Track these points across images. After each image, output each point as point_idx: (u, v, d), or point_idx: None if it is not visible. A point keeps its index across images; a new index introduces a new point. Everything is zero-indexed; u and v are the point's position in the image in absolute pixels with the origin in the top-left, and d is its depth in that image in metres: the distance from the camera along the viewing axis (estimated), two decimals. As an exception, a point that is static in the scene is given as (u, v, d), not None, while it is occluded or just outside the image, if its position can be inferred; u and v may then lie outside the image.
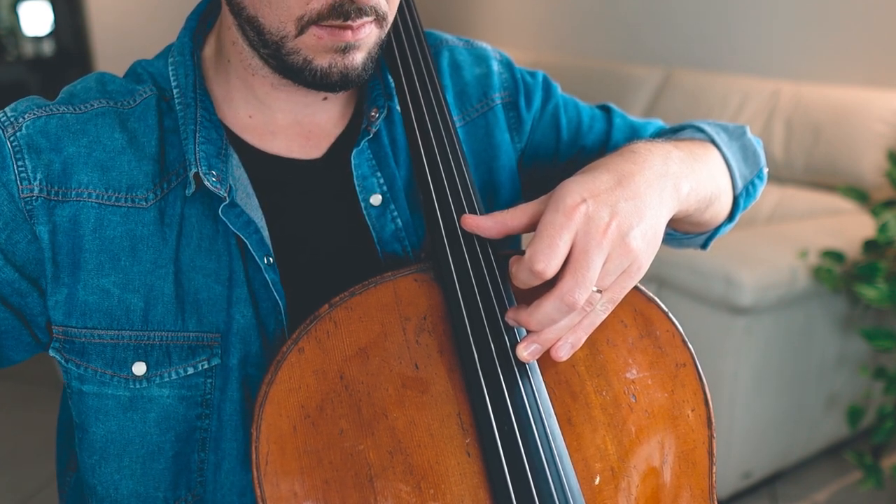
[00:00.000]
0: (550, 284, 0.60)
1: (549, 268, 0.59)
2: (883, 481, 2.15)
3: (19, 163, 0.68)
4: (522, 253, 0.61)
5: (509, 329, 0.65)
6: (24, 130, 0.69)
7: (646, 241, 0.63)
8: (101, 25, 5.00)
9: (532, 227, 0.63)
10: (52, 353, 0.71)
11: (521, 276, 0.60)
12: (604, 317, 0.64)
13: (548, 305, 0.60)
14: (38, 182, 0.68)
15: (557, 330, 0.62)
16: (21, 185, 0.68)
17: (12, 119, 0.70)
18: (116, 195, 0.70)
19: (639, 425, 0.67)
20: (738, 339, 2.03)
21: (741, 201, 0.85)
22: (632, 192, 0.63)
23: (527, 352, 0.62)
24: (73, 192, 0.69)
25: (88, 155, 0.70)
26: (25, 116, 0.70)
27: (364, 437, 0.61)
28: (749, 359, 2.06)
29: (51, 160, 0.69)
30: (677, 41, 3.55)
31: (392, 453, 0.61)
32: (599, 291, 0.62)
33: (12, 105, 0.72)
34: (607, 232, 0.60)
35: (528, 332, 0.63)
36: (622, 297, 0.64)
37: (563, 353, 0.63)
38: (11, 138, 0.69)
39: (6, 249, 0.68)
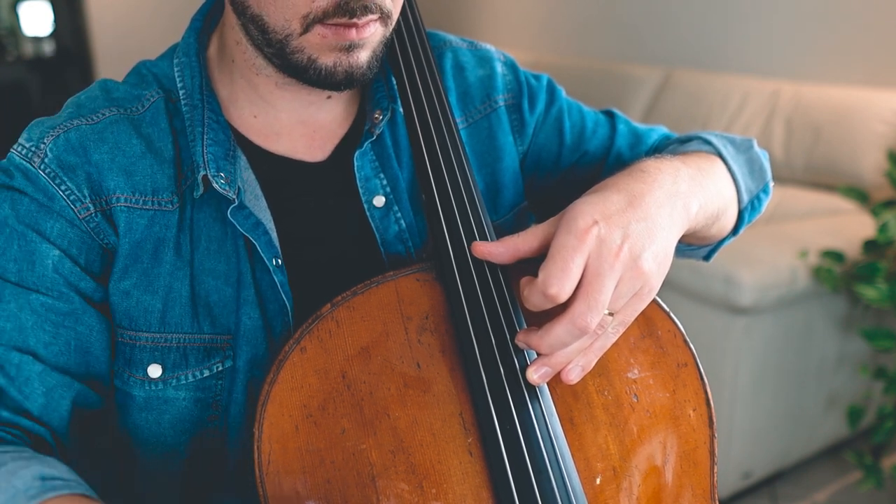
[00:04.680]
0: (561, 304, 0.60)
1: (563, 292, 0.58)
2: (883, 481, 2.16)
3: (62, 188, 0.68)
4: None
5: (511, 327, 0.65)
6: (50, 155, 0.69)
7: (657, 263, 0.62)
8: (101, 25, 5.00)
9: (543, 249, 0.62)
10: None
11: (534, 300, 0.59)
12: (615, 339, 0.63)
13: (559, 329, 0.59)
14: (88, 199, 0.68)
15: (568, 353, 0.61)
16: (75, 207, 0.68)
17: (33, 149, 0.69)
18: (143, 198, 0.70)
19: (640, 425, 0.68)
20: (737, 339, 2.03)
21: (746, 215, 0.84)
22: (643, 213, 0.63)
23: (537, 375, 0.62)
24: (110, 198, 0.69)
25: (112, 161, 0.70)
26: (45, 141, 0.69)
27: (366, 437, 0.61)
28: (749, 359, 2.06)
29: (88, 172, 0.69)
30: (677, 41, 3.55)
31: (394, 453, 0.61)
32: (611, 314, 0.61)
33: (24, 136, 0.71)
34: (619, 255, 0.59)
35: (539, 354, 0.62)
36: (633, 319, 0.63)
37: (573, 377, 0.62)
38: (42, 167, 0.68)
39: (90, 270, 0.69)
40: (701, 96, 3.16)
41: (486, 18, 4.77)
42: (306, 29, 0.65)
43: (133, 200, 0.70)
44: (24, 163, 0.68)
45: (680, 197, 0.67)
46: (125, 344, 0.70)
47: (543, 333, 0.60)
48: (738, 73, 3.22)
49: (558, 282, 0.57)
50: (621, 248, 0.59)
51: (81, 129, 0.71)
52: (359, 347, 0.63)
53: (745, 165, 0.84)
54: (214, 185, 0.69)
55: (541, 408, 0.63)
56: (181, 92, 0.74)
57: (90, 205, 0.68)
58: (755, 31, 3.21)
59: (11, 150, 0.70)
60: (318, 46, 0.66)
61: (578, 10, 4.08)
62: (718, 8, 3.35)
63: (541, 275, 0.58)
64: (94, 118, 0.72)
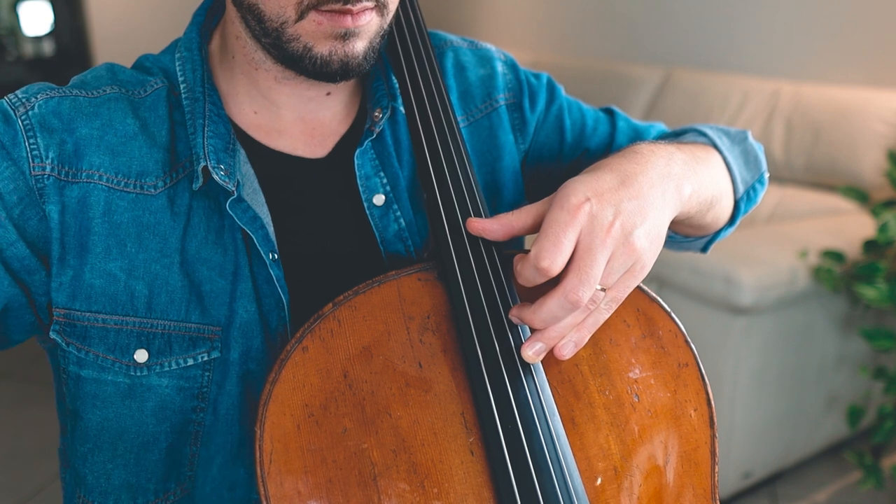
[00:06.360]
0: (554, 284, 0.61)
1: (555, 265, 0.59)
2: (883, 481, 2.16)
3: (31, 141, 0.68)
4: (526, 252, 0.61)
5: (513, 328, 0.65)
6: (36, 110, 0.70)
7: (649, 240, 0.63)
8: (101, 25, 5.00)
9: (537, 227, 0.63)
10: (52, 335, 0.71)
11: (526, 274, 0.60)
12: (607, 315, 0.64)
13: (552, 303, 0.60)
14: (49, 161, 0.69)
15: (561, 328, 0.62)
16: (33, 162, 0.68)
17: (23, 100, 0.70)
18: (126, 180, 0.70)
19: (641, 425, 0.68)
20: (738, 339, 2.03)
21: (742, 205, 0.85)
22: (635, 191, 0.64)
23: (531, 351, 0.62)
24: (84, 174, 0.69)
25: (101, 138, 0.70)
26: (38, 97, 0.71)
27: (367, 436, 0.61)
28: (749, 359, 2.06)
29: (63, 140, 0.69)
30: (677, 41, 3.55)
31: (395, 452, 0.61)
32: (603, 290, 0.62)
33: (23, 88, 0.72)
34: (611, 231, 0.60)
35: (532, 331, 0.63)
36: (626, 295, 0.64)
37: (566, 352, 0.63)
38: (23, 117, 0.69)
39: (20, 225, 0.68)
40: (701, 96, 3.16)
41: (486, 18, 4.77)
42: (301, 16, 0.66)
43: (115, 182, 0.70)
44: (8, 108, 0.70)
45: (672, 179, 0.68)
46: (107, 330, 0.69)
47: (536, 308, 0.61)
48: (738, 73, 3.22)
49: (550, 255, 0.59)
50: (613, 225, 0.60)
51: (79, 100, 0.71)
52: (360, 347, 0.63)
53: (741, 156, 0.85)
54: (214, 176, 0.69)
55: (542, 407, 0.63)
56: (182, 86, 0.74)
57: (47, 166, 0.68)
58: (755, 31, 3.21)
59: (5, 96, 0.71)
60: (314, 34, 0.67)
61: (578, 10, 4.08)
62: (718, 8, 3.35)
63: (533, 249, 0.60)
64: (95, 93, 0.73)
